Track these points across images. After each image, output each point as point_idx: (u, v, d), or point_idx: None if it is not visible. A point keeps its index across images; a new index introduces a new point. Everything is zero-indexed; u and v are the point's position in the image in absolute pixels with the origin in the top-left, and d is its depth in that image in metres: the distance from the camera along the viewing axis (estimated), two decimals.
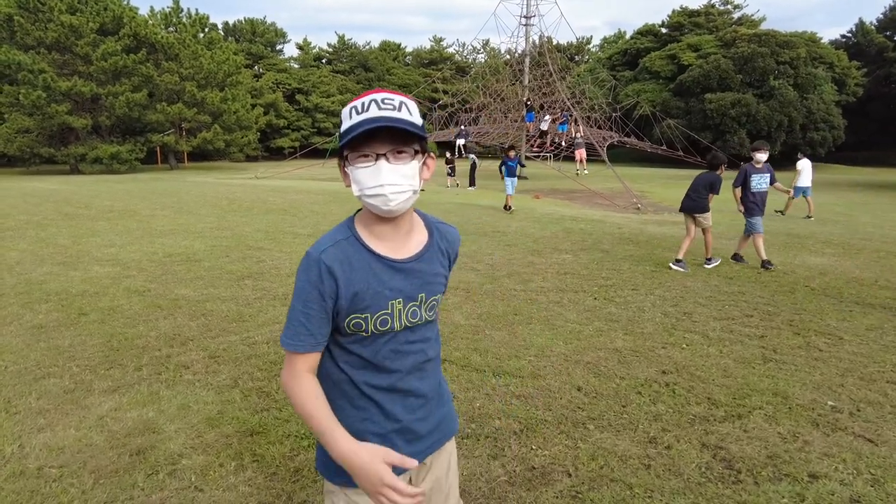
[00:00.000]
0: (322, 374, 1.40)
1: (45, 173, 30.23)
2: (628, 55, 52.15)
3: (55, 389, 3.68)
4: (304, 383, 1.32)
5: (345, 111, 1.30)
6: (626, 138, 27.09)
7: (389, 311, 1.34)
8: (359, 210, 1.40)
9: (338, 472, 1.32)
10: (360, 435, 1.32)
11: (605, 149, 21.44)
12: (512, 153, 13.77)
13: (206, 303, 5.63)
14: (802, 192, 13.12)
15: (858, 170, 38.77)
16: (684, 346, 4.61)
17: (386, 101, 1.26)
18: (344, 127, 1.29)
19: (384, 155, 1.25)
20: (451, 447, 1.61)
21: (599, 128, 26.59)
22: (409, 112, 1.27)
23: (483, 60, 49.46)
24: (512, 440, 3.09)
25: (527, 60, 26.12)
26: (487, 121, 28.94)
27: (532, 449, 3.00)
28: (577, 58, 59.93)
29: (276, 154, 51.87)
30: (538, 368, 4.07)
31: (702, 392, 3.73)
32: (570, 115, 24.33)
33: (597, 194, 17.75)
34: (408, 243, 1.40)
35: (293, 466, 2.83)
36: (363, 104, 1.26)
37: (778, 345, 4.66)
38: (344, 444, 1.24)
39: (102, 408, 3.43)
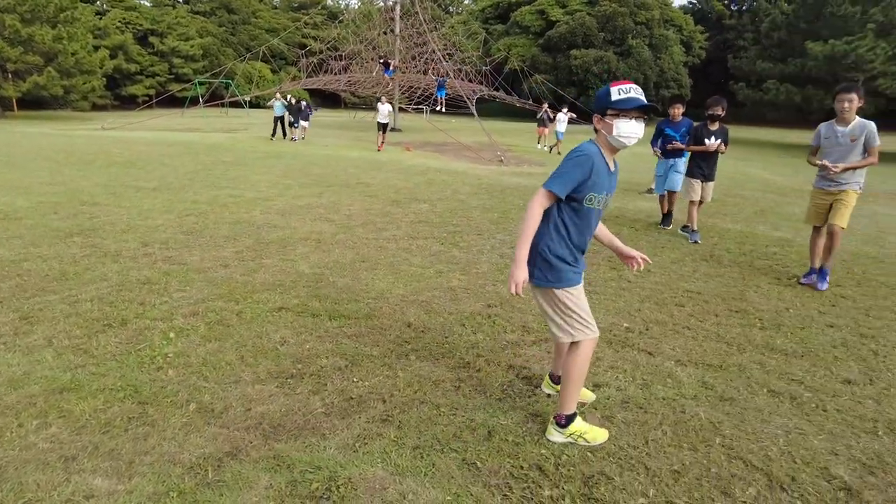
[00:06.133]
0: (552, 221, 2.53)
1: None
2: (500, 8, 52.88)
3: None
4: (540, 212, 2.47)
5: (614, 89, 2.40)
6: (495, 92, 27.72)
7: (600, 197, 2.50)
8: (590, 140, 2.53)
9: (557, 280, 2.54)
10: (553, 250, 2.54)
11: (474, 102, 21.79)
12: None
13: (23, 262, 5.13)
14: (558, 134, 19.39)
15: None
16: None
17: (637, 90, 2.40)
18: (622, 96, 2.38)
19: (642, 117, 2.43)
20: None
21: (470, 81, 26.92)
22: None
23: (356, 6, 47.58)
24: (335, 375, 3.25)
25: (397, 9, 25.51)
26: (359, 70, 28.09)
27: (353, 381, 3.18)
28: (451, 9, 59.60)
29: (129, 103, 46.86)
30: (374, 310, 4.25)
31: (518, 321, 4.13)
32: (445, 80, 24.16)
33: (465, 147, 18.19)
34: (612, 162, 2.55)
35: (104, 419, 2.77)
36: (627, 87, 2.38)
37: (594, 278, 5.23)
38: (521, 253, 2.45)
39: None
